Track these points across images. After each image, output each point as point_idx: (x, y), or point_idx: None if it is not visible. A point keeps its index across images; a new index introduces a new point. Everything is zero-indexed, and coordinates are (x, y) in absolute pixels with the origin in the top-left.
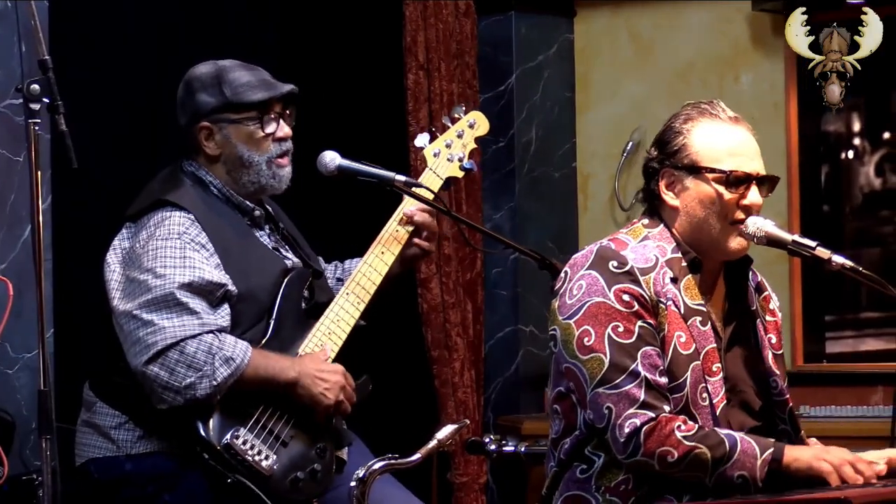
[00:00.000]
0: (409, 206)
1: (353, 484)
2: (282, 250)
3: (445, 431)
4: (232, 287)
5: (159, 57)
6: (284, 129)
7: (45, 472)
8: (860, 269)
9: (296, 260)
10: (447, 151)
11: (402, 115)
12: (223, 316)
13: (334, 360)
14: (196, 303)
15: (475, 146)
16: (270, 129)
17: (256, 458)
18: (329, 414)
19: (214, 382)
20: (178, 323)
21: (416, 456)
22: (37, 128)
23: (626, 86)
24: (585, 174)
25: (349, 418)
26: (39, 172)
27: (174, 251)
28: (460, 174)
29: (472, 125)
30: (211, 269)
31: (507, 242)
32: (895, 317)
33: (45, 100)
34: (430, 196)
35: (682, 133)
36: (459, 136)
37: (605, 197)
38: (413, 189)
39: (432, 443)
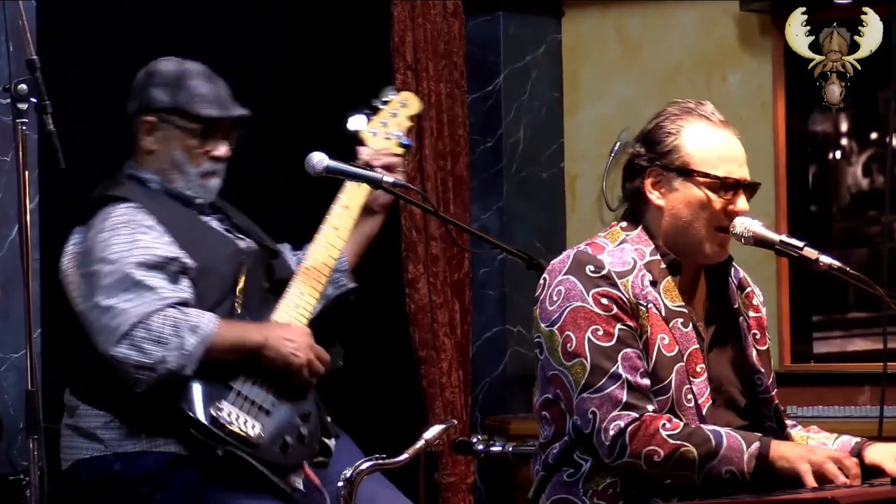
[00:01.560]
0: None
1: (340, 484)
2: (233, 233)
3: (433, 431)
4: (188, 260)
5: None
6: (222, 150)
7: (32, 473)
8: (847, 269)
9: (249, 241)
10: (384, 130)
11: None
12: (184, 289)
13: None
14: (153, 279)
15: (411, 124)
16: (210, 146)
17: (243, 427)
18: (304, 374)
19: (185, 352)
20: (138, 301)
21: (404, 456)
22: (24, 128)
23: (613, 86)
24: (573, 174)
25: (337, 415)
26: (27, 172)
27: (122, 237)
28: (400, 151)
29: (405, 104)
30: (163, 245)
31: (494, 243)
32: (882, 317)
33: (33, 100)
34: (420, 197)
35: (672, 133)
36: (394, 116)
37: (593, 197)
38: (401, 190)
39: (420, 443)
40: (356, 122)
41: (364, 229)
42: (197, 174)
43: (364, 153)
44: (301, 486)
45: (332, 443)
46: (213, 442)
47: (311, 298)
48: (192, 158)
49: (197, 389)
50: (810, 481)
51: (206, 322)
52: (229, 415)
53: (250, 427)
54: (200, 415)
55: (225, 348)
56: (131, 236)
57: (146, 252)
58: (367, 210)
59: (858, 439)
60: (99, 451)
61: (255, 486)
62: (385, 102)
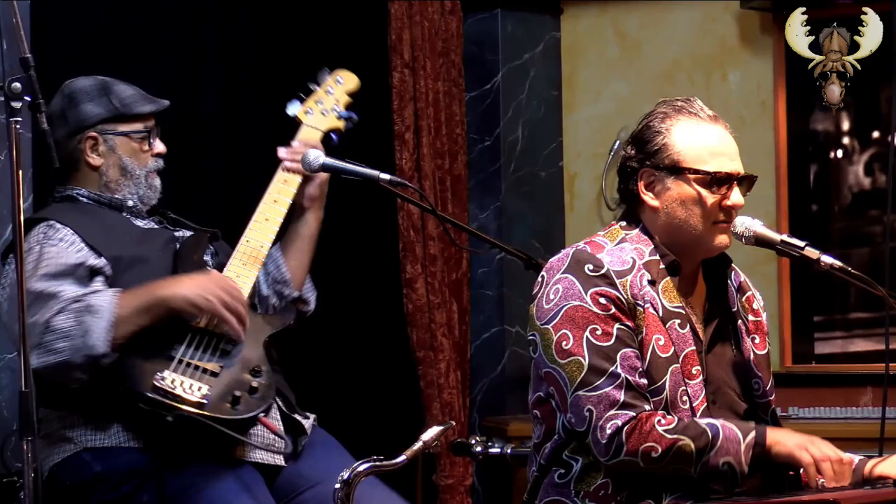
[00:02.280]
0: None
1: (337, 486)
2: (169, 228)
3: (431, 433)
4: (97, 261)
5: (157, 56)
6: (160, 146)
7: (26, 474)
8: (849, 269)
9: (185, 231)
10: (320, 108)
11: (388, 114)
12: (95, 287)
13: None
14: (54, 286)
15: (349, 100)
16: (152, 143)
17: (188, 390)
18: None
19: (93, 334)
20: (41, 311)
21: (402, 457)
22: (18, 126)
23: (612, 85)
24: (572, 173)
25: (335, 416)
26: (20, 171)
27: (32, 256)
28: (340, 124)
29: (340, 81)
30: (69, 254)
31: (492, 242)
32: (884, 317)
33: (27, 98)
34: (418, 196)
35: (661, 132)
36: (329, 93)
37: (592, 196)
38: (398, 188)
39: (418, 444)
40: (292, 108)
41: (300, 230)
42: (144, 175)
43: (293, 143)
44: (269, 438)
45: (307, 423)
46: (161, 410)
47: (246, 282)
48: (138, 161)
49: (138, 367)
50: (812, 473)
51: (103, 299)
52: (172, 382)
53: (195, 389)
54: (142, 388)
55: (135, 314)
56: (39, 253)
57: (50, 263)
58: (299, 209)
59: (861, 457)
60: (70, 450)
61: (215, 458)
62: (319, 83)
